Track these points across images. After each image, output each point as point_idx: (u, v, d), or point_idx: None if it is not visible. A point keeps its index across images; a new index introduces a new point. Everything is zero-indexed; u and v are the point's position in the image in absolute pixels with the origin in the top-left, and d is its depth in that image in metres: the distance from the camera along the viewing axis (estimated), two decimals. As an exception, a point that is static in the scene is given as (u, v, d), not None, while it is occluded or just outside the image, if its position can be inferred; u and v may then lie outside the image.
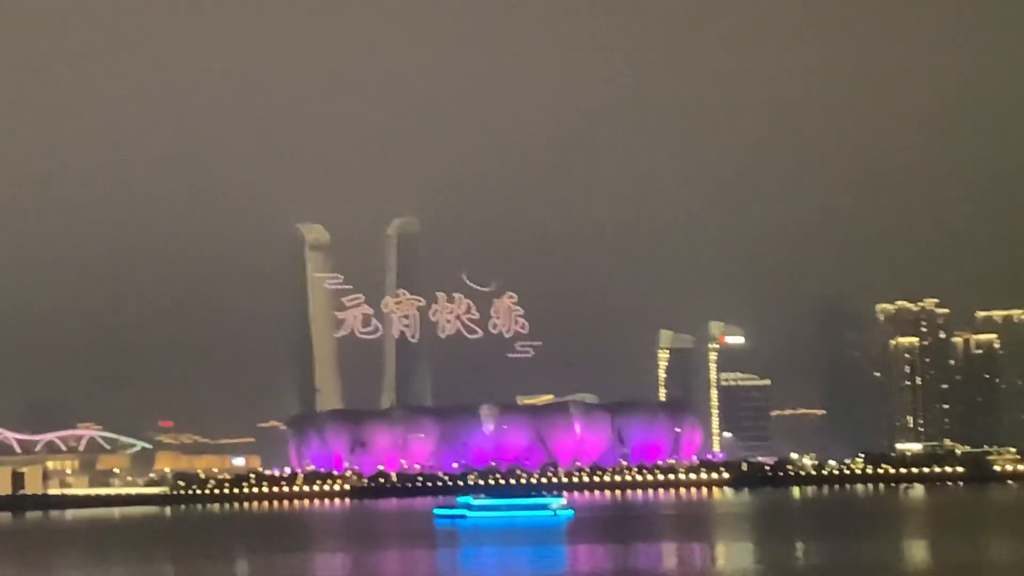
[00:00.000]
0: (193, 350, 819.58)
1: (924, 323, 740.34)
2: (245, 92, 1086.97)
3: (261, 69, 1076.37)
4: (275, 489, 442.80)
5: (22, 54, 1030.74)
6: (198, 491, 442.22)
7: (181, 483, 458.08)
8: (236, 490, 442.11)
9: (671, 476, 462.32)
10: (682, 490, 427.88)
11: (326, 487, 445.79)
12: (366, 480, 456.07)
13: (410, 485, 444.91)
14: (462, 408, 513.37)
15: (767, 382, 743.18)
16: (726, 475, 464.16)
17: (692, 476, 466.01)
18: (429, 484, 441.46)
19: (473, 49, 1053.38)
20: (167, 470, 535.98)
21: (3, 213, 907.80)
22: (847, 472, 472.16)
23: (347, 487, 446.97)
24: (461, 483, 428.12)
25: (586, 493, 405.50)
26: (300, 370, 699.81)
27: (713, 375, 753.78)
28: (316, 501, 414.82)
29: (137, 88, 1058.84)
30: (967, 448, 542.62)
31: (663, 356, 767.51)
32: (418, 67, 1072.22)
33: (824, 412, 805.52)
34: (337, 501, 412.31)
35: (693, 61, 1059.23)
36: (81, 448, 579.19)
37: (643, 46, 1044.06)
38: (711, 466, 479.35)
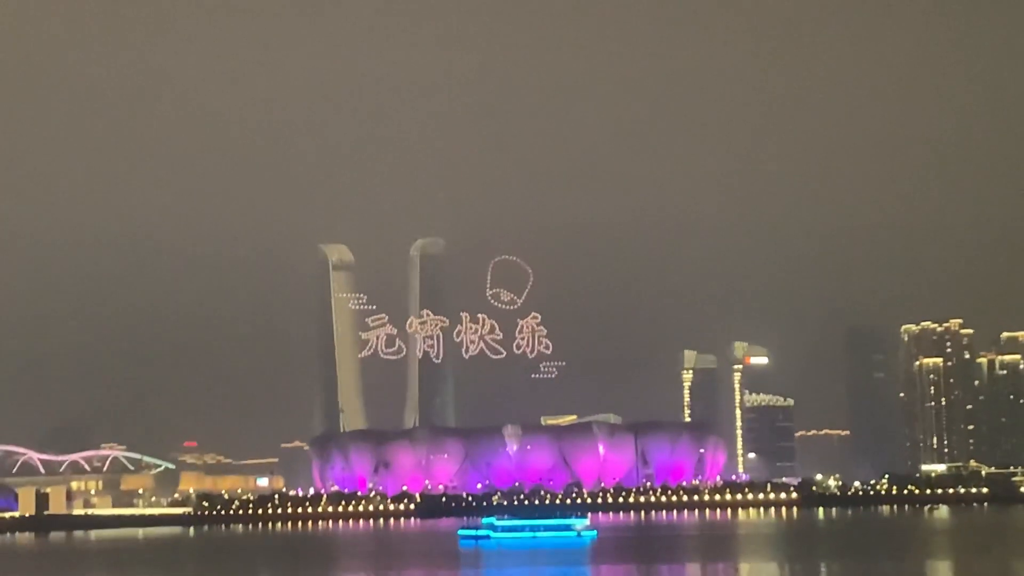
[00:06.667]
0: (217, 370, 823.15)
1: (949, 344, 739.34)
2: (268, 114, 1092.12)
3: (284, 91, 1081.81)
4: (299, 510, 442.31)
5: (57, 88, 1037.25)
6: (222, 512, 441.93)
7: (205, 504, 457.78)
8: (260, 511, 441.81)
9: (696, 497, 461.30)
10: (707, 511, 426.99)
11: (350, 508, 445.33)
12: (390, 501, 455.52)
13: (434, 506, 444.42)
14: (486, 428, 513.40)
15: (791, 402, 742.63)
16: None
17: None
18: (453, 504, 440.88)
19: (496, 70, 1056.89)
20: (191, 490, 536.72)
21: (29, 241, 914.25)
22: (872, 493, 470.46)
23: (371, 508, 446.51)
24: (485, 504, 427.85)
25: (610, 514, 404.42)
26: (324, 390, 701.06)
27: (737, 395, 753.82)
28: (340, 522, 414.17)
29: (162, 111, 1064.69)
30: (992, 469, 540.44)
31: (687, 376, 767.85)
32: (441, 89, 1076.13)
33: (849, 433, 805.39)
34: (361, 522, 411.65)
35: (717, 87, 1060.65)
36: (105, 468, 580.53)
37: (671, 67, 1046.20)
38: (735, 487, 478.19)
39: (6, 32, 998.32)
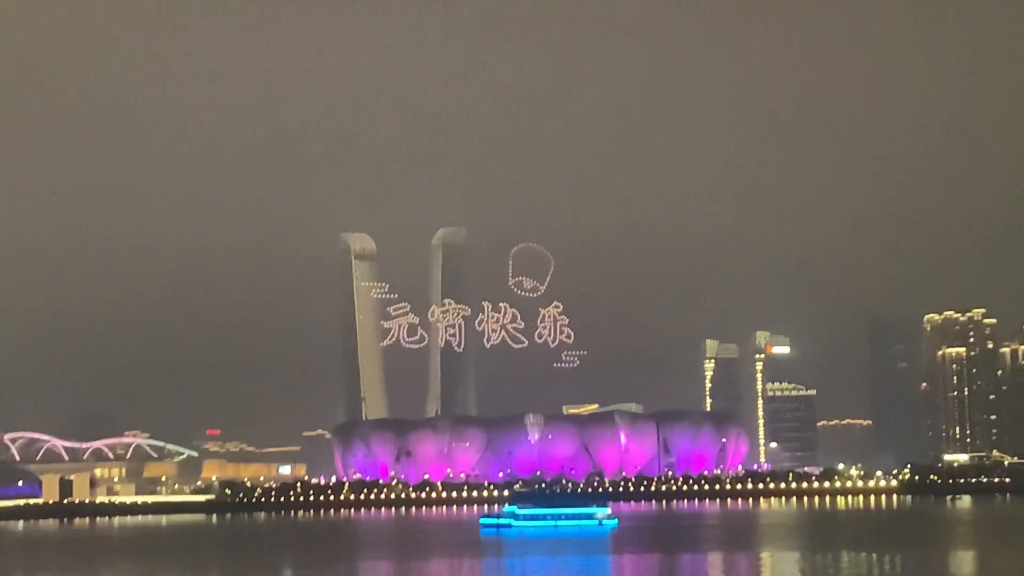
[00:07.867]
0: (240, 359, 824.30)
1: (971, 333, 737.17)
2: (290, 104, 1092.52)
3: (306, 81, 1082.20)
4: (321, 498, 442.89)
5: (89, 90, 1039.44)
6: (244, 499, 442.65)
7: (228, 491, 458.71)
8: (282, 499, 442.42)
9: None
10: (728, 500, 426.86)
11: (372, 496, 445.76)
12: (412, 489, 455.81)
13: (455, 494, 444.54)
14: (507, 417, 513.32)
15: (813, 392, 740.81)
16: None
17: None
18: (474, 493, 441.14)
19: (518, 60, 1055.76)
20: (214, 478, 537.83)
21: (53, 235, 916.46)
22: (894, 483, 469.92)
23: (392, 496, 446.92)
24: (507, 492, 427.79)
25: (631, 503, 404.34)
26: (346, 379, 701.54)
27: (759, 385, 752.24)
28: (362, 510, 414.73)
29: (185, 106, 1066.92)
30: (1015, 459, 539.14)
31: (709, 366, 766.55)
32: (463, 79, 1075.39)
33: (870, 423, 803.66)
34: (383, 510, 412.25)
35: (737, 73, 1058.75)
36: (128, 456, 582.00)
37: (693, 65, 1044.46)
38: (757, 476, 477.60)
39: (11, 31, 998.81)
